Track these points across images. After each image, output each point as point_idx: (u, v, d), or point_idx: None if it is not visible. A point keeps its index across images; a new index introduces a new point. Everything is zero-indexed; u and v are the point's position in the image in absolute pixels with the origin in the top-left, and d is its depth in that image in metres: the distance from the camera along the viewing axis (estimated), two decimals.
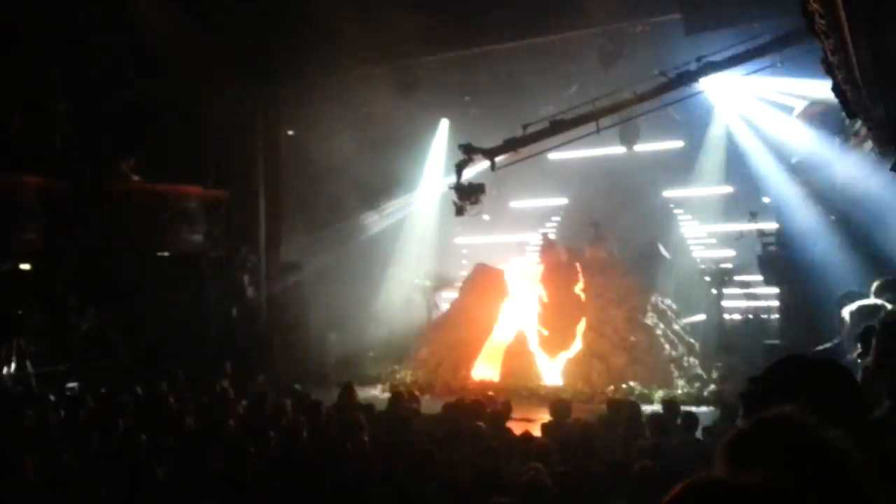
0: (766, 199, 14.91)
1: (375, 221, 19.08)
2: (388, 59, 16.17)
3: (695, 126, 17.49)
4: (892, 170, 6.12)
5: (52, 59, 14.68)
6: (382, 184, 18.88)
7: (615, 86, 17.12)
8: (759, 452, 1.43)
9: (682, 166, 18.58)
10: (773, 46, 11.56)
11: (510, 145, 11.76)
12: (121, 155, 15.01)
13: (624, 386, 14.52)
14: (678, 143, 18.54)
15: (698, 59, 11.29)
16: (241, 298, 16.44)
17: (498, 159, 12.17)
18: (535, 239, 20.76)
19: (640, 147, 17.32)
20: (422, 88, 16.80)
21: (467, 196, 11.55)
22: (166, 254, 15.55)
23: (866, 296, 6.68)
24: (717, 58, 11.32)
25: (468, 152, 11.89)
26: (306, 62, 15.85)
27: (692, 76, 11.50)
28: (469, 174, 12.41)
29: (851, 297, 6.83)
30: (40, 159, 14.07)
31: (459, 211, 11.77)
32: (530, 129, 11.66)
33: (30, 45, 14.08)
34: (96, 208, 14.40)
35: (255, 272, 16.75)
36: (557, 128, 11.64)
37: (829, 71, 5.27)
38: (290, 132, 18.32)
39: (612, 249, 18.00)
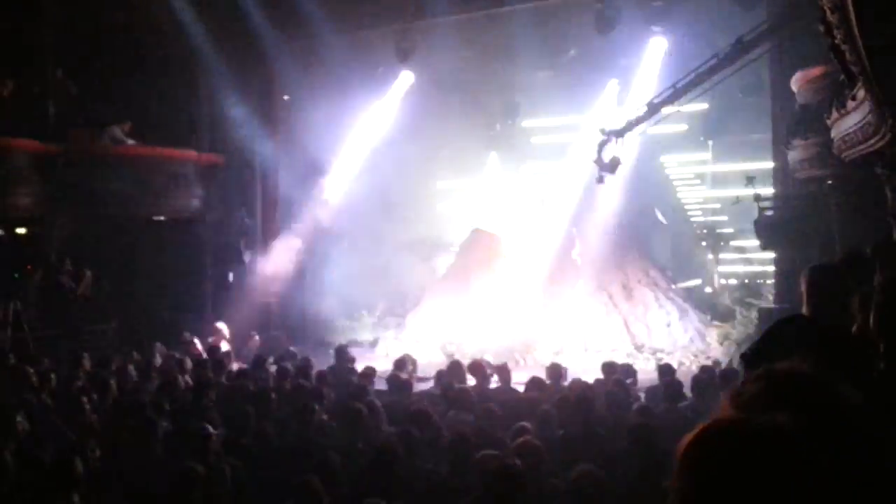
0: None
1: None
2: (385, 22, 16.03)
3: None
4: (890, 132, 6.10)
5: (45, 21, 14.53)
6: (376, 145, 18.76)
7: (613, 51, 17.10)
8: (766, 402, 1.39)
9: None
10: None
11: (631, 125, 14.07)
12: (116, 119, 14.91)
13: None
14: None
15: (737, 41, 12.65)
16: (238, 262, 16.41)
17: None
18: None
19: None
20: (418, 53, 16.64)
21: (608, 168, 13.94)
22: (161, 218, 15.50)
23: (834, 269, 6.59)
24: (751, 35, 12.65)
25: (605, 133, 14.15)
26: (303, 24, 15.69)
27: (732, 59, 12.88)
28: None
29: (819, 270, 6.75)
30: (34, 123, 13.97)
31: (600, 180, 14.24)
32: (642, 112, 14.06)
33: (24, 8, 13.93)
34: (91, 172, 14.33)
35: (252, 236, 16.71)
36: (654, 109, 13.84)
37: (828, 31, 5.22)
38: (286, 97, 18.17)
39: None
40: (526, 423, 6.40)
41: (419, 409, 7.02)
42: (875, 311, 2.79)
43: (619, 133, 14.08)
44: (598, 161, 14.26)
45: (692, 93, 13.61)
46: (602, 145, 14.27)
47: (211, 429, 6.22)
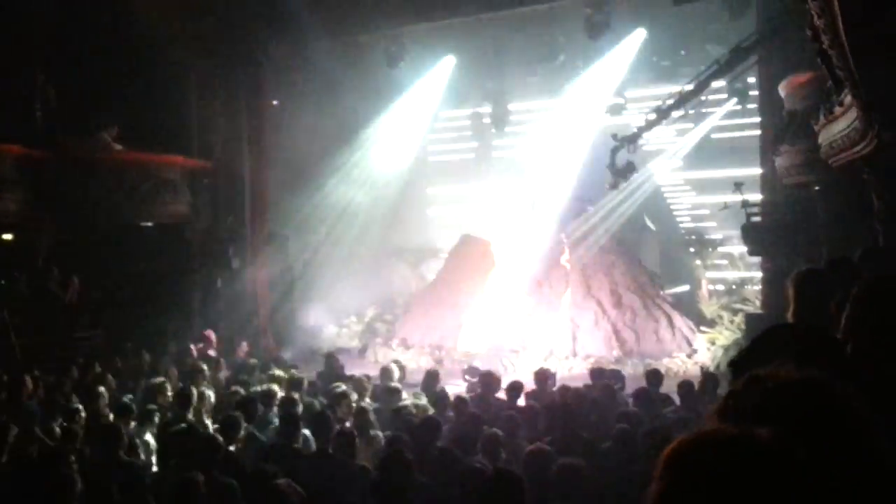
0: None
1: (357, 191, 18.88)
2: (374, 27, 16.03)
3: None
4: (876, 137, 6.13)
5: (31, 26, 14.45)
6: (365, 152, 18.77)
7: (602, 56, 17.15)
8: (755, 409, 1.36)
9: None
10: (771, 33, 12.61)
11: (642, 131, 14.52)
12: (103, 124, 14.83)
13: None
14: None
15: (735, 48, 13.00)
16: (226, 269, 16.33)
17: None
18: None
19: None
20: (406, 58, 16.65)
21: (621, 175, 14.55)
22: (150, 224, 15.41)
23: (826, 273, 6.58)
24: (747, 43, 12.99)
25: (618, 140, 14.60)
26: (292, 29, 15.67)
27: (731, 65, 13.29)
28: None
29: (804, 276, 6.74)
30: (21, 128, 13.87)
31: (614, 185, 14.97)
32: (649, 119, 14.51)
33: (8, 12, 13.85)
34: (79, 178, 14.21)
35: (241, 243, 16.62)
36: (663, 115, 14.24)
37: (816, 36, 5.23)
38: (275, 102, 18.12)
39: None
40: (497, 430, 6.43)
41: (429, 417, 6.99)
42: (848, 310, 2.78)
43: (631, 139, 14.43)
44: (612, 167, 14.63)
45: (693, 101, 14.04)
46: (615, 152, 14.62)
47: (220, 438, 6.17)
